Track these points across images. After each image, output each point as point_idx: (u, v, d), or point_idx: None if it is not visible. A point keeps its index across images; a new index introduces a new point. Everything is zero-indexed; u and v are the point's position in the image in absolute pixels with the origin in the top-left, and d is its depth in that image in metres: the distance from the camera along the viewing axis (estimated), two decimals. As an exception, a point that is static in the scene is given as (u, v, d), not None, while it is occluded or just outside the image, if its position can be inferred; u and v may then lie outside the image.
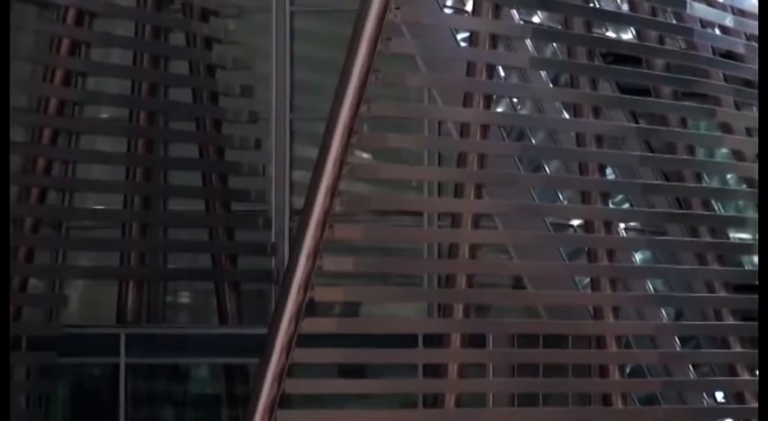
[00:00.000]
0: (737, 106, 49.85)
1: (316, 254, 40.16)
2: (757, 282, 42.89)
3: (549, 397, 45.32)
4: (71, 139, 47.79)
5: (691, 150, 48.96)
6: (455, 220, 43.89)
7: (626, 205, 49.45)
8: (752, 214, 50.31)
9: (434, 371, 43.50)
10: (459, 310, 43.34)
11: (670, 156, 48.50)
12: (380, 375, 44.39)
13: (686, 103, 49.24)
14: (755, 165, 49.32)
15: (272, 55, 50.36)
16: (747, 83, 50.13)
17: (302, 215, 40.90)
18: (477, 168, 43.77)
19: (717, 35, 50.88)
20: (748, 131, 49.67)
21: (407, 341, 43.89)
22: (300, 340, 39.68)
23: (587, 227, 46.41)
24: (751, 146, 49.56)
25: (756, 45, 51.24)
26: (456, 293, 43.95)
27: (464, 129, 44.19)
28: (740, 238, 51.04)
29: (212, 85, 51.01)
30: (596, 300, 44.76)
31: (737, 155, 49.90)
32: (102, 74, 49.88)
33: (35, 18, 48.67)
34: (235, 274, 50.36)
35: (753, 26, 51.37)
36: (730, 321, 47.12)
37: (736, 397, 48.53)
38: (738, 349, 46.87)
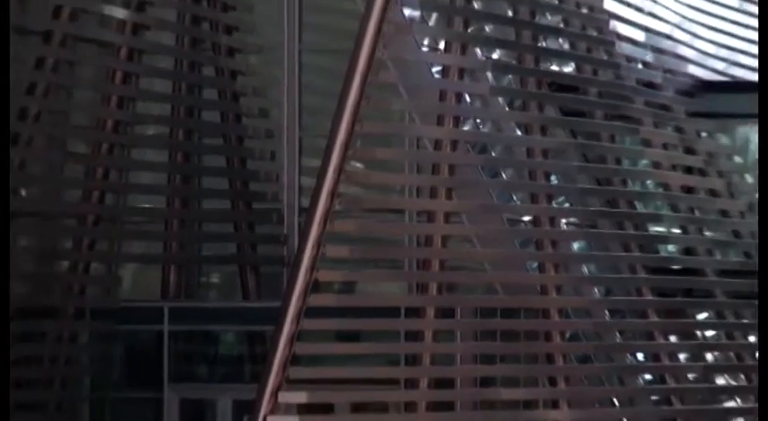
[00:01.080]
0: (656, 125, 49.29)
1: (319, 243, 39.83)
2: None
3: (504, 357, 45.17)
4: (124, 152, 47.22)
5: (618, 161, 48.84)
6: (430, 217, 43.74)
7: (566, 204, 48.59)
8: (666, 212, 50.36)
9: (413, 336, 43.25)
10: (433, 288, 42.95)
11: (601, 165, 48.00)
12: (370, 340, 43.46)
13: (615, 123, 48.70)
14: (670, 173, 49.65)
15: (284, 84, 49.70)
16: (664, 107, 49.95)
17: (308, 212, 40.38)
18: (447, 175, 43.55)
19: (639, 69, 50.81)
20: (664, 146, 49.31)
21: (392, 312, 43.07)
22: (307, 311, 39.26)
23: (535, 222, 46.18)
24: (666, 157, 49.38)
25: (671, 77, 51.70)
26: (431, 274, 43.63)
27: (437, 144, 44.06)
28: (657, 231, 50.17)
29: (236, 108, 49.84)
30: (542, 280, 44.60)
31: (655, 165, 49.32)
32: (149, 99, 49.14)
33: (96, 54, 47.74)
34: (255, 259, 49.70)
35: (669, 61, 51.61)
36: (649, 297, 46.45)
37: (653, 357, 47.63)
38: (655, 319, 46.29)
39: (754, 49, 54.12)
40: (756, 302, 47.42)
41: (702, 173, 49.83)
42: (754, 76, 51.91)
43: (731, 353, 49.79)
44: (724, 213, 50.17)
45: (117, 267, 48.79)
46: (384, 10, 40.89)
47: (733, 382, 50.73)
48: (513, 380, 44.07)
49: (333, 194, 39.91)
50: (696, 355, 48.93)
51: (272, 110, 50.29)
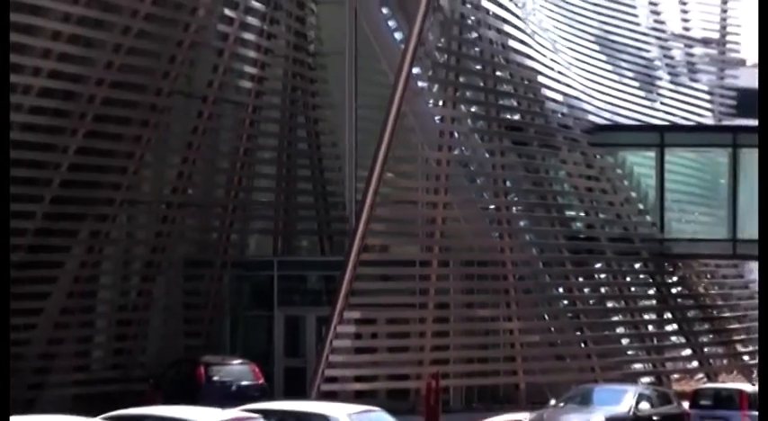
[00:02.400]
0: (569, 150, 51.03)
1: (368, 222, 43.30)
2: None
3: (480, 290, 47.66)
4: (251, 168, 48.53)
5: (546, 172, 51.22)
6: (434, 206, 45.80)
7: (515, 198, 50.23)
8: (576, 203, 52.13)
9: (424, 278, 45.28)
10: (436, 249, 45.52)
11: (536, 175, 50.37)
12: (398, 280, 46.00)
13: (544, 149, 50.72)
14: (578, 179, 51.43)
15: (347, 126, 49.61)
16: (574, 140, 51.26)
17: (361, 203, 44.10)
18: (444, 181, 46.03)
19: (559, 116, 51.57)
20: (574, 163, 50.99)
21: (411, 263, 45.58)
22: (360, 263, 42.93)
23: (498, 208, 48.60)
24: (575, 169, 51.36)
25: (578, 121, 52.67)
26: (434, 240, 45.80)
27: (438, 162, 46.02)
28: (570, 214, 52.13)
29: (318, 140, 51.09)
30: (502, 244, 47.11)
31: (569, 174, 51.28)
32: (266, 135, 49.20)
33: (233, 109, 48.34)
34: (330, 231, 50.88)
35: (576, 112, 52.54)
36: (566, 254, 49.33)
37: (568, 290, 50.70)
38: (569, 267, 49.42)
39: (626, 104, 57.04)
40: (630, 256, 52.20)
41: (597, 179, 51.89)
42: (626, 120, 55.47)
43: (617, 288, 52.22)
44: (611, 203, 51.75)
45: (246, 236, 50.21)
46: (406, 82, 44.16)
47: (617, 305, 52.76)
48: (485, 304, 47.06)
49: (375, 193, 43.66)
50: (594, 289, 52.05)
51: (339, 142, 51.03)
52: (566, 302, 50.17)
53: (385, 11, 50.16)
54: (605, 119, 54.57)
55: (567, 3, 58.08)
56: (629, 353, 51.69)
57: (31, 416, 27.06)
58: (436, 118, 48.17)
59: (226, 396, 36.43)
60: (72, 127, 39.32)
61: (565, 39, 56.29)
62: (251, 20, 46.36)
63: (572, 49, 56.41)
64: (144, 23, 40.66)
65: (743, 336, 56.43)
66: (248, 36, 46.70)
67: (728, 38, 64.75)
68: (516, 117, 51.05)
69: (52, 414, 27.97)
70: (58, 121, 39.23)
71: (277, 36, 47.76)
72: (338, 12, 49.75)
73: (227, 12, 44.99)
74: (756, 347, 52.97)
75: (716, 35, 64.31)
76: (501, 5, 49.84)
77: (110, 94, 40.14)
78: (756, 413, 34.56)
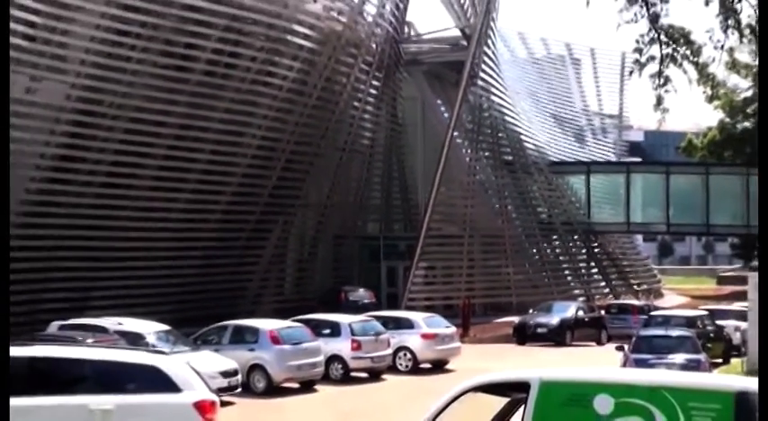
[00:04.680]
0: (538, 175, 50.11)
1: (431, 215, 42.40)
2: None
3: None
4: (367, 185, 45.99)
5: (526, 187, 49.54)
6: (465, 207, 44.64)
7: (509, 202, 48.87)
8: (542, 203, 50.93)
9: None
10: (467, 229, 44.23)
11: (521, 188, 49.12)
12: None
13: (525, 174, 49.41)
14: (545, 191, 50.38)
15: (419, 163, 47.96)
16: (540, 169, 50.11)
17: (427, 205, 42.60)
18: (471, 192, 44.96)
19: (534, 155, 50.58)
20: (541, 181, 50.21)
21: (454, 236, 44.09)
22: (426, 237, 41.77)
23: (500, 207, 47.68)
24: (542, 185, 50.48)
25: (543, 157, 51.10)
26: (466, 224, 44.33)
27: (468, 183, 45.00)
28: (540, 210, 50.86)
29: (404, 169, 47.60)
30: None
31: (539, 188, 50.29)
32: (375, 167, 46.30)
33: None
34: (410, 219, 47.41)
35: (543, 154, 51.20)
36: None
37: (541, 258, 50.11)
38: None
39: (568, 150, 56.38)
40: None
41: (553, 190, 51.02)
42: (568, 158, 54.45)
43: (565, 249, 51.80)
44: (561, 204, 50.81)
45: (367, 223, 47.80)
46: (451, 139, 43.70)
47: (564, 258, 51.99)
48: (493, 258, 46.05)
49: (435, 199, 42.68)
50: (552, 250, 51.25)
51: (415, 170, 48.40)
52: (537, 257, 49.48)
53: (439, 101, 49.53)
54: (558, 157, 53.99)
55: (534, 92, 56.95)
56: (572, 285, 50.79)
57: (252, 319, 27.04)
58: (466, 158, 46.87)
59: (355, 308, 35.31)
60: (273, 166, 38.48)
61: (534, 113, 55.20)
62: (368, 107, 45.05)
63: (537, 118, 55.34)
64: (312, 109, 39.42)
65: (632, 274, 55.92)
66: (367, 116, 45.39)
67: (623, 113, 63.77)
68: (510, 157, 49.97)
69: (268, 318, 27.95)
70: (266, 162, 38.21)
71: (381, 114, 46.09)
72: (415, 102, 48.90)
73: (356, 103, 43.59)
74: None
75: (616, 111, 64.04)
76: (500, 97, 49.07)
77: (295, 148, 39.47)
78: (643, 317, 34.34)
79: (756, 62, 52.45)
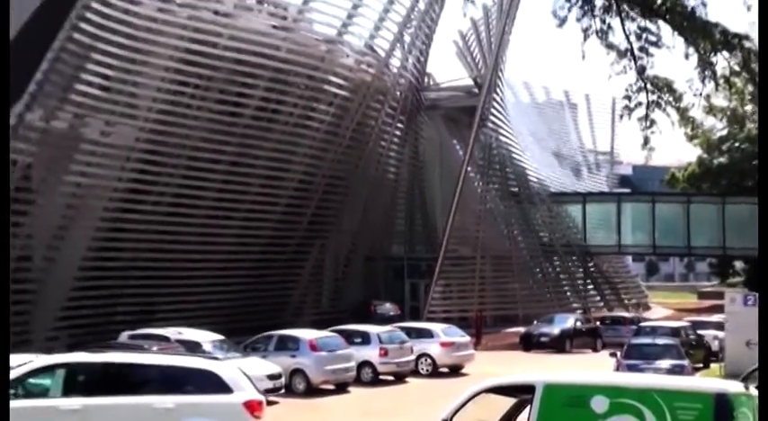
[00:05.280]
0: (540, 204, 49.59)
1: (448, 238, 42.03)
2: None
3: None
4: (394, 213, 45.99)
5: (530, 214, 49.07)
6: (477, 231, 44.12)
7: (516, 226, 48.55)
8: (544, 228, 50.00)
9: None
10: (479, 250, 43.77)
11: (525, 216, 48.46)
12: None
13: (529, 204, 48.71)
14: (546, 218, 49.70)
15: (437, 193, 47.17)
16: (542, 199, 49.44)
17: (445, 230, 42.39)
18: (483, 218, 44.52)
19: (535, 186, 50.36)
20: (543, 210, 49.78)
21: (467, 257, 43.71)
22: (444, 258, 41.37)
23: (508, 231, 47.54)
24: (544, 213, 50.00)
25: (543, 189, 50.65)
26: (478, 246, 43.69)
27: (479, 210, 44.53)
28: (542, 234, 50.26)
29: (424, 199, 47.33)
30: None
31: (541, 215, 49.36)
32: (399, 198, 46.01)
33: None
34: (430, 242, 46.39)
35: (545, 182, 51.00)
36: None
37: (543, 275, 49.61)
38: None
39: (566, 182, 55.71)
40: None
41: (553, 217, 50.56)
42: (566, 189, 53.85)
43: (564, 268, 51.02)
44: (560, 228, 50.44)
45: (392, 245, 47.20)
46: (465, 173, 43.23)
47: (564, 276, 51.39)
48: (502, 276, 45.18)
49: (451, 224, 42.31)
50: (553, 268, 50.33)
51: (434, 199, 47.53)
52: (540, 275, 48.94)
53: (454, 141, 49.26)
54: (557, 189, 53.51)
55: (536, 132, 56.66)
56: (571, 299, 50.20)
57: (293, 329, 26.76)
58: (478, 190, 46.51)
59: (383, 319, 35.26)
60: (311, 196, 38.05)
61: (536, 150, 54.86)
62: (393, 146, 44.62)
63: (539, 155, 54.94)
64: (345, 148, 38.99)
65: (623, 290, 55.29)
66: (392, 153, 45.00)
67: (614, 150, 63.38)
68: (515, 189, 49.58)
69: (307, 328, 27.60)
70: (306, 193, 37.64)
71: (404, 152, 45.78)
72: (433, 142, 48.36)
73: (383, 143, 43.25)
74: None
75: (608, 149, 63.73)
76: (507, 137, 48.87)
77: (330, 181, 38.80)
78: (633, 327, 33.86)
79: (730, 104, 52.36)
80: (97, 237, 30.15)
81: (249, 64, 33.08)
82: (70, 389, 12.16)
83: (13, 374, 12.30)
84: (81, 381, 12.30)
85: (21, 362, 14.20)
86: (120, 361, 12.93)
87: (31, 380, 12.34)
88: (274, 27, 35.45)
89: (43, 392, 12.21)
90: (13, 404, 11.55)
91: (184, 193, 32.44)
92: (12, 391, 11.81)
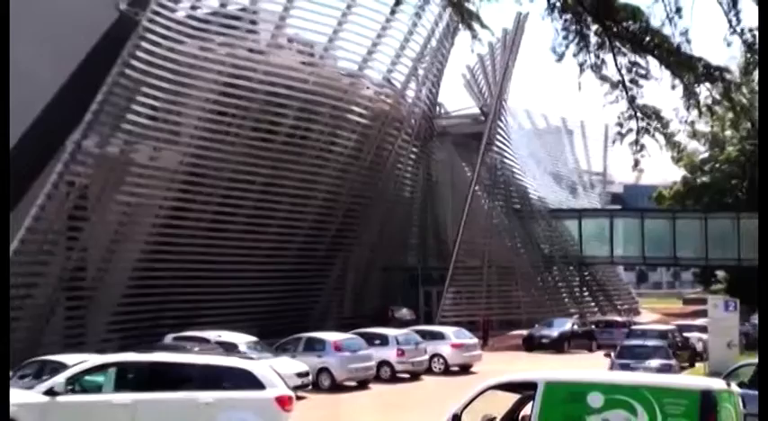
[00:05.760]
0: (540, 219, 49.26)
1: (458, 251, 41.60)
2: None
3: None
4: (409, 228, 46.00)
5: (532, 229, 48.43)
6: (484, 244, 43.85)
7: (519, 239, 48.14)
8: (545, 241, 49.46)
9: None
10: (486, 260, 43.10)
11: (527, 230, 47.92)
12: None
13: (530, 219, 48.55)
14: (545, 232, 49.20)
15: (449, 211, 46.88)
16: (543, 216, 49.08)
17: (455, 243, 42.05)
18: (489, 233, 44.07)
19: (537, 203, 49.89)
20: (543, 225, 49.31)
21: (475, 267, 43.05)
22: (454, 268, 40.96)
23: (512, 244, 47.01)
24: (544, 227, 49.48)
25: (543, 205, 50.15)
26: (485, 257, 43.25)
27: (486, 226, 44.27)
28: (543, 246, 49.78)
29: (436, 215, 47.32)
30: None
31: (542, 230, 49.01)
32: (414, 215, 46.25)
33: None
34: (442, 254, 45.64)
35: (544, 203, 50.48)
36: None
37: (544, 283, 48.64)
38: None
39: (564, 200, 55.23)
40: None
41: (552, 231, 50.04)
42: (563, 206, 53.35)
43: (562, 276, 50.45)
44: (559, 241, 50.06)
45: (407, 257, 46.71)
46: (473, 192, 42.99)
47: (562, 283, 51.50)
48: (506, 284, 44.51)
49: (460, 238, 42.00)
50: (552, 277, 49.57)
51: (446, 216, 47.16)
52: (540, 284, 48.26)
53: (463, 163, 48.79)
54: (555, 206, 53.11)
55: (536, 155, 56.33)
56: (568, 305, 49.51)
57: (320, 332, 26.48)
58: (485, 207, 46.19)
59: (399, 323, 35.00)
60: (335, 213, 37.96)
61: (537, 171, 54.63)
62: (409, 168, 44.54)
63: (539, 176, 54.68)
64: (366, 169, 38.65)
65: (616, 296, 54.82)
66: (407, 175, 44.70)
67: (607, 171, 63.49)
68: (518, 206, 49.16)
69: (332, 331, 27.24)
70: (330, 210, 37.31)
71: (419, 173, 45.65)
72: (444, 164, 48.25)
73: (399, 165, 43.03)
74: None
75: (601, 169, 63.57)
76: (510, 159, 48.53)
77: (352, 200, 38.84)
78: (625, 330, 33.33)
79: (712, 130, 52.00)
80: (145, 250, 30.40)
81: (280, 95, 33.40)
82: (121, 385, 12.24)
83: (69, 372, 12.43)
84: (130, 379, 12.41)
85: (76, 362, 14.36)
86: (165, 360, 12.99)
87: (87, 378, 12.34)
88: (302, 63, 35.81)
89: (97, 388, 12.22)
90: (71, 398, 11.74)
91: (223, 211, 32.52)
92: (69, 387, 11.93)
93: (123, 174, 29.47)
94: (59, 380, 12.07)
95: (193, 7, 32.28)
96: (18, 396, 11.89)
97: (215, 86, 31.51)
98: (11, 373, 17.56)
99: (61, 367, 15.38)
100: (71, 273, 28.04)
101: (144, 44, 29.09)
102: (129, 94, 29.01)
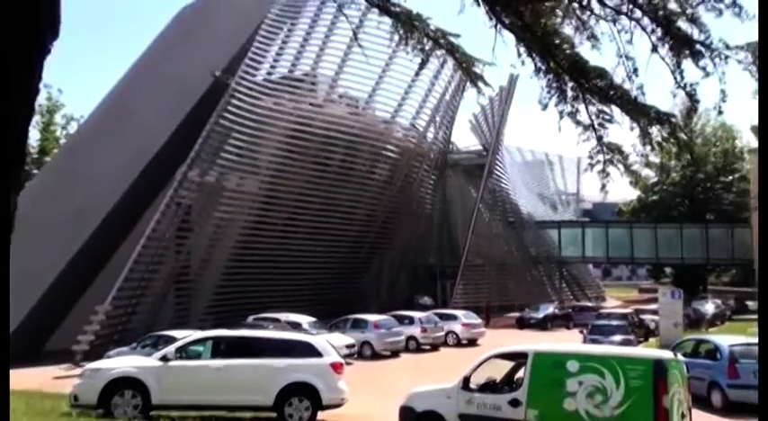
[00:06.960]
0: (528, 229, 48.14)
1: (467, 253, 40.29)
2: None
3: None
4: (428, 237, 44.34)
5: (522, 236, 47.50)
6: (486, 248, 42.87)
7: (512, 244, 47.11)
8: (532, 245, 47.88)
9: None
10: (487, 260, 42.45)
11: (519, 237, 46.94)
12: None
13: (519, 228, 47.49)
14: (532, 238, 48.08)
15: (458, 224, 45.15)
16: (530, 225, 48.18)
17: (464, 247, 40.70)
18: (489, 238, 43.23)
19: (525, 217, 48.97)
20: (531, 234, 48.18)
21: (479, 265, 41.68)
22: (464, 266, 39.46)
23: (506, 248, 46.17)
24: (532, 235, 48.35)
25: (530, 219, 49.51)
26: (486, 257, 41.95)
27: (488, 234, 43.08)
28: (530, 249, 48.50)
29: (449, 226, 44.79)
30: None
31: (529, 237, 48.17)
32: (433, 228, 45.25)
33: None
34: (454, 254, 43.16)
35: (532, 216, 49.47)
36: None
37: (532, 277, 48.01)
38: None
39: (546, 214, 53.83)
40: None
41: (537, 239, 48.87)
42: (547, 218, 52.01)
43: (546, 272, 49.62)
44: (547, 250, 48.65)
45: (430, 256, 44.94)
46: (478, 210, 41.89)
47: (545, 278, 49.90)
48: (504, 278, 43.37)
49: (469, 243, 40.89)
50: (538, 272, 48.57)
51: (457, 226, 45.79)
52: (529, 278, 47.38)
53: (470, 187, 47.63)
54: (540, 218, 52.15)
55: (525, 180, 55.32)
56: (550, 294, 48.13)
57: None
58: (487, 220, 45.22)
59: (422, 308, 33.72)
60: (374, 224, 37.23)
61: (526, 193, 53.69)
62: (429, 191, 43.44)
63: (528, 196, 53.72)
64: (397, 192, 37.97)
65: (587, 287, 53.84)
66: (428, 196, 43.48)
67: (580, 192, 62.69)
68: (512, 219, 48.30)
69: (372, 313, 26.08)
70: (370, 222, 36.72)
71: (437, 195, 44.22)
72: (456, 188, 47.09)
73: (421, 189, 42.03)
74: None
75: (575, 191, 62.79)
76: (506, 184, 47.88)
77: (387, 215, 38.10)
78: (594, 313, 32.22)
79: (661, 160, 51.11)
80: (232, 253, 30.55)
81: (333, 138, 33.46)
82: (216, 353, 12.14)
83: (178, 344, 12.48)
84: (223, 349, 12.22)
85: (183, 336, 14.65)
86: (248, 335, 12.85)
87: (190, 348, 12.42)
88: (349, 113, 35.83)
89: (198, 355, 12.24)
90: (179, 363, 11.86)
91: (290, 224, 32.47)
92: (177, 355, 12.04)
93: (217, 197, 29.76)
94: (170, 349, 12.16)
95: (269, 73, 32.86)
96: (140, 361, 12.15)
97: (284, 131, 31.69)
98: (135, 345, 18.30)
99: (171, 340, 15.57)
100: (178, 271, 28.41)
101: (233, 100, 29.83)
102: (222, 137, 29.54)
